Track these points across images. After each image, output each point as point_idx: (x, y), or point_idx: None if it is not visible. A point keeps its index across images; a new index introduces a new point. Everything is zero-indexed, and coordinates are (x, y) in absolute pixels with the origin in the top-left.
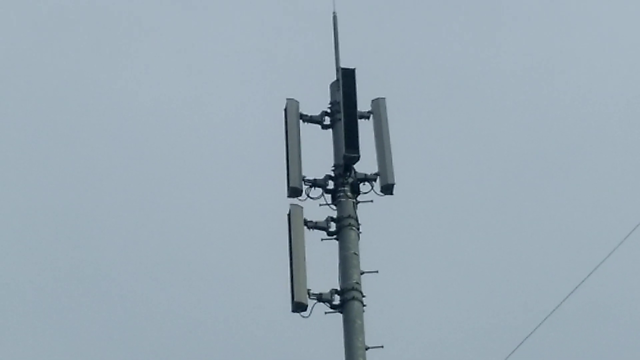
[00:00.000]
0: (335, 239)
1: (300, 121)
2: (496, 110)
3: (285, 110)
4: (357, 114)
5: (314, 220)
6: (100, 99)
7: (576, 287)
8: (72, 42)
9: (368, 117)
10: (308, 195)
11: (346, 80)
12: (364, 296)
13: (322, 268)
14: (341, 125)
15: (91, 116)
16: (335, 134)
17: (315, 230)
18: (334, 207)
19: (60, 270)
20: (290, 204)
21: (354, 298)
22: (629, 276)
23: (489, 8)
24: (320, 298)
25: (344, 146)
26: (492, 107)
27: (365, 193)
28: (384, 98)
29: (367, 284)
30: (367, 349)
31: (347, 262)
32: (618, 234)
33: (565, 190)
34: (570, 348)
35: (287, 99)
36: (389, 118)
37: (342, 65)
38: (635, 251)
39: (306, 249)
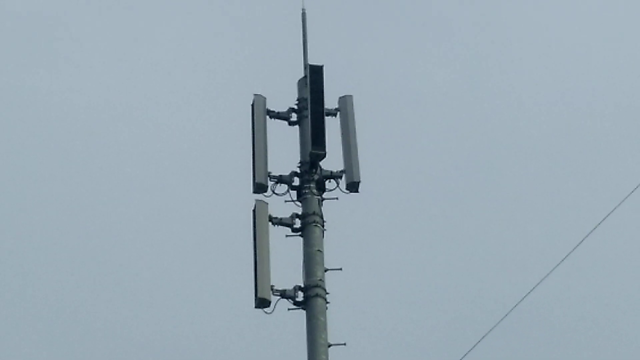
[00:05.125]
0: (299, 235)
1: (267, 117)
2: (464, 110)
3: (252, 105)
4: (324, 111)
5: (279, 216)
6: (55, 98)
7: (531, 290)
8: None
9: (335, 115)
10: (273, 192)
11: (314, 77)
12: (327, 293)
13: (286, 264)
14: (308, 122)
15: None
16: (301, 131)
17: (280, 227)
18: (299, 204)
19: None
20: (256, 200)
21: (317, 295)
22: (579, 283)
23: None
24: (283, 294)
25: (310, 143)
26: (459, 106)
27: (331, 190)
28: (351, 96)
29: (331, 281)
30: (329, 345)
31: (311, 259)
32: (570, 242)
33: (526, 196)
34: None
35: (254, 94)
36: (355, 116)
37: (310, 62)
38: (584, 258)
39: (270, 245)
